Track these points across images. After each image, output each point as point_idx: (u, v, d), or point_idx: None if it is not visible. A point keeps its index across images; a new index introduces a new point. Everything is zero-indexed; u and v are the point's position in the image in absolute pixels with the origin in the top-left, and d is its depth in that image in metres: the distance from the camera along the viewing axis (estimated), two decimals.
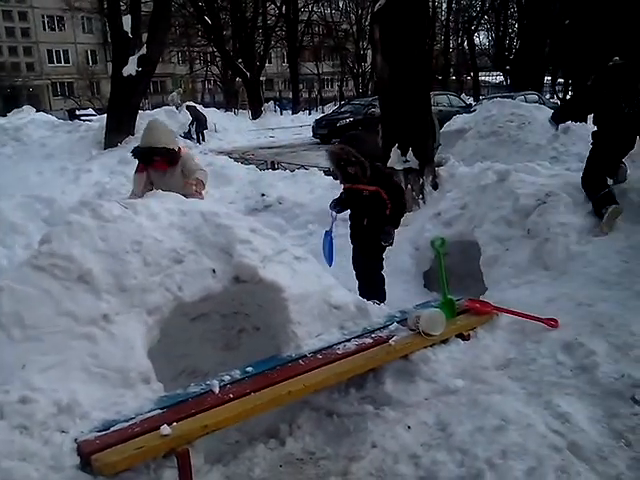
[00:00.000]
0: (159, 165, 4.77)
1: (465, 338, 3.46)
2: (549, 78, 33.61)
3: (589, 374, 3.06)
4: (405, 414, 2.96)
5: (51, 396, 2.45)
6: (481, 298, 4.08)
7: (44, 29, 49.59)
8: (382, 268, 4.69)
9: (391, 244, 4.54)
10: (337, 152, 4.46)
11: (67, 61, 50.48)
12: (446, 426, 2.82)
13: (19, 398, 2.38)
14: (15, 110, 23.02)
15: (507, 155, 9.52)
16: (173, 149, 4.75)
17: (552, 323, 3.53)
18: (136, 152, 4.84)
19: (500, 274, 4.56)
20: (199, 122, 18.72)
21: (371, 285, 4.54)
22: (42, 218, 6.76)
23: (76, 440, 2.34)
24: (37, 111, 23.03)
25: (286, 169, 10.90)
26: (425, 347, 3.28)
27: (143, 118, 12.67)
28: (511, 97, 15.18)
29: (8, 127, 16.30)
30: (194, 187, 4.48)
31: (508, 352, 3.41)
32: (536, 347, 3.38)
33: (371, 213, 4.51)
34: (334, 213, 4.79)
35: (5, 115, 22.68)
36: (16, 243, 5.79)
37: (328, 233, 4.82)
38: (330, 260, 4.80)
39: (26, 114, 21.19)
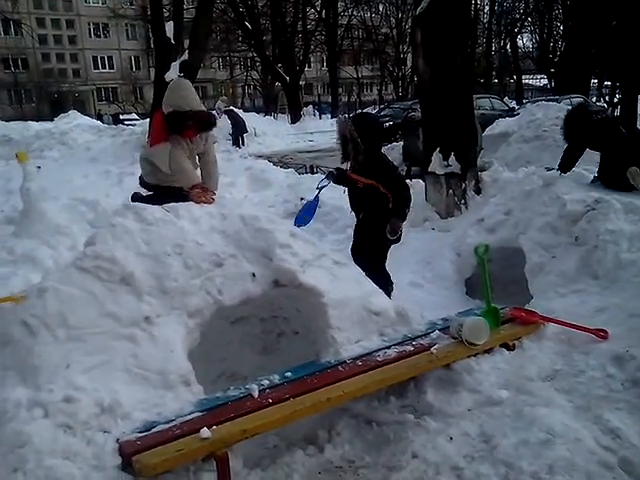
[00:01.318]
0: (189, 133, 3.95)
1: (510, 348, 3.37)
2: (595, 81, 32.71)
3: None
4: (447, 424, 2.89)
5: (94, 396, 2.48)
6: (526, 307, 3.96)
7: (90, 36, 51.13)
8: (383, 262, 4.53)
9: (398, 239, 4.37)
10: (341, 124, 4.38)
11: (111, 67, 51.89)
12: (490, 438, 2.74)
13: (63, 397, 2.42)
14: (62, 115, 23.74)
15: (552, 159, 9.17)
16: (211, 113, 4.16)
17: (601, 334, 3.41)
18: (173, 117, 3.84)
19: (546, 282, 4.42)
20: (238, 126, 18.90)
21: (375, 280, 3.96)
22: (87, 220, 6.92)
23: (118, 440, 2.36)
24: (85, 115, 23.66)
25: (324, 173, 10.86)
26: (468, 356, 3.20)
27: None
28: (556, 100, 14.84)
29: (55, 132, 16.85)
30: (202, 198, 3.61)
31: (555, 363, 3.30)
32: (584, 359, 3.27)
33: (367, 207, 4.40)
34: (325, 181, 4.59)
35: (52, 120, 23.42)
36: (61, 244, 5.93)
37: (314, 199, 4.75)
38: (301, 221, 4.69)
39: (72, 119, 21.82)
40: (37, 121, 22.83)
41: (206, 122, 3.96)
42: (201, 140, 4.04)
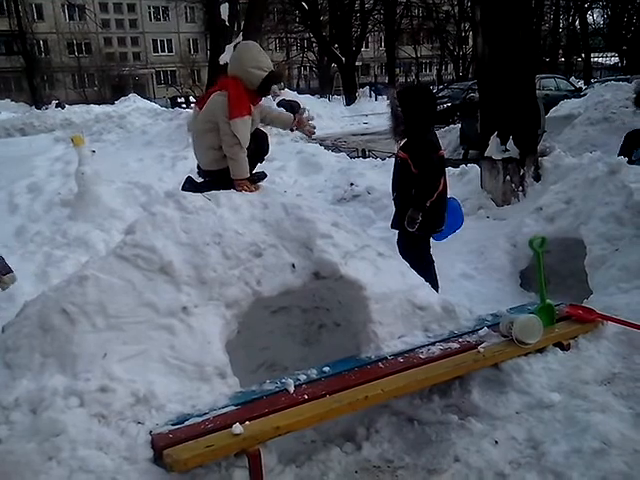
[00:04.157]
0: (259, 98, 3.81)
1: (564, 348, 3.18)
2: None
3: None
4: (493, 427, 2.76)
5: (129, 386, 2.48)
6: (584, 303, 3.73)
7: (150, 19, 52.10)
8: (426, 251, 4.31)
9: (418, 230, 4.10)
10: (390, 94, 4.29)
11: (170, 50, 52.77)
12: (538, 444, 2.61)
13: (99, 387, 2.43)
14: (122, 98, 24.34)
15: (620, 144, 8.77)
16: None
17: None
18: (271, 81, 3.70)
19: (608, 277, 4.16)
20: (292, 109, 18.84)
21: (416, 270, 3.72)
22: (140, 204, 7.03)
23: (150, 432, 2.35)
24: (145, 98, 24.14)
25: (377, 157, 10.69)
26: (518, 356, 3.04)
27: None
28: (627, 80, 14.02)
29: (114, 115, 17.29)
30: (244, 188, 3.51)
31: (613, 366, 3.11)
32: None
33: (399, 185, 4.21)
34: None
35: (113, 103, 24.05)
36: (113, 228, 6.06)
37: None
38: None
39: (132, 102, 22.33)
40: (99, 105, 23.48)
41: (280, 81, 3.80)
42: (260, 106, 3.89)
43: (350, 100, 29.26)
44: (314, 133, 4.08)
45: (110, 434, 2.31)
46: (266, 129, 4.10)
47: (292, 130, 4.06)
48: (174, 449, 2.24)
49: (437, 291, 3.90)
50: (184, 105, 24.37)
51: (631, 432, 2.54)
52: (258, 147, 3.81)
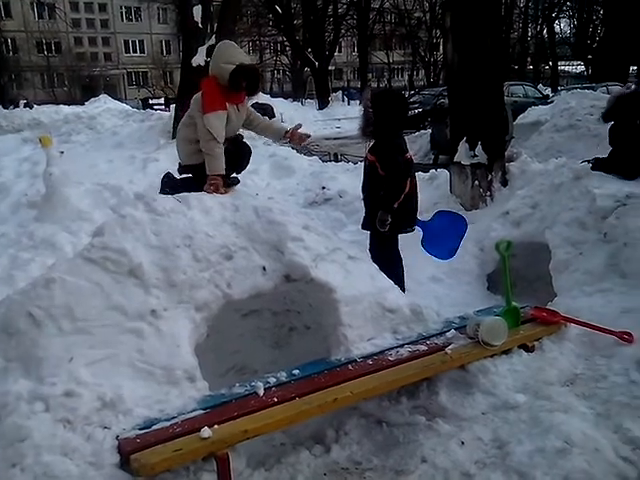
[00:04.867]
0: (241, 97, 3.83)
1: (529, 349, 3.25)
2: (635, 68, 31.61)
3: None
4: (459, 428, 2.80)
5: (96, 390, 2.44)
6: (549, 306, 3.82)
7: (122, 20, 51.44)
8: (395, 249, 4.39)
9: (388, 231, 4.20)
10: (364, 94, 4.36)
11: (142, 51, 52.20)
12: (503, 444, 2.65)
13: (64, 391, 2.39)
14: (92, 99, 23.97)
15: (585, 150, 8.95)
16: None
17: (626, 337, 3.27)
18: (239, 73, 3.64)
19: (572, 280, 4.25)
20: (265, 112, 18.80)
21: (382, 268, 3.65)
22: (109, 206, 6.93)
23: (117, 437, 2.32)
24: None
25: (349, 161, 10.74)
26: (484, 357, 3.09)
27: None
28: (592, 88, 14.39)
29: (83, 116, 17.01)
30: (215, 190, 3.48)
31: (576, 367, 3.19)
32: (607, 363, 3.16)
33: (368, 187, 4.32)
34: None
35: (83, 104, 23.66)
36: (82, 230, 5.95)
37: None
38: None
39: (102, 103, 22.01)
40: (68, 105, 23.05)
41: (257, 77, 3.79)
42: (244, 107, 3.93)
43: (323, 104, 29.35)
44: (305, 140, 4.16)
45: (75, 439, 2.27)
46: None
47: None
48: (141, 454, 2.22)
49: (403, 288, 4.03)
50: (156, 107, 24.03)
51: (592, 431, 2.59)
52: (238, 156, 3.85)
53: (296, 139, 4.09)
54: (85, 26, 49.72)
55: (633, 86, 7.29)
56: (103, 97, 23.99)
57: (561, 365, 3.18)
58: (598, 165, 5.00)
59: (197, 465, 2.32)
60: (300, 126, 4.16)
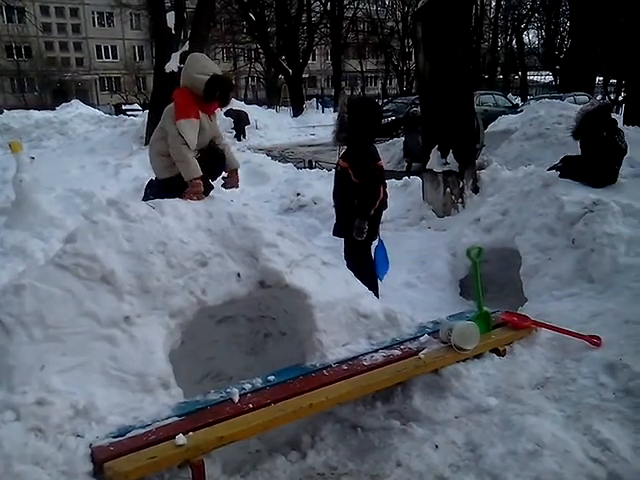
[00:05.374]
0: (214, 107, 3.93)
1: (500, 354, 3.30)
2: (601, 78, 32.47)
3: (633, 398, 2.87)
4: (433, 432, 2.82)
5: (68, 398, 2.41)
6: (520, 310, 3.89)
7: (94, 25, 50.80)
8: (368, 254, 4.42)
9: (364, 239, 4.24)
10: (340, 99, 4.45)
11: (115, 57, 51.61)
12: (476, 447, 2.68)
13: (36, 400, 2.35)
14: (64, 104, 23.56)
15: (554, 158, 9.05)
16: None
17: (595, 341, 3.34)
18: (214, 83, 3.69)
19: (541, 285, 4.35)
20: (240, 119, 18.78)
21: (357, 275, 3.70)
22: (81, 212, 6.83)
23: (90, 445, 2.30)
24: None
25: (323, 168, 10.79)
26: (457, 362, 3.13)
27: None
28: (560, 98, 14.70)
29: (55, 121, 16.73)
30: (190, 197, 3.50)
31: (546, 370, 3.24)
32: (576, 366, 3.21)
33: (340, 194, 4.34)
34: None
35: (54, 109, 23.24)
36: (53, 236, 5.86)
37: None
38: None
39: (74, 108, 21.65)
40: (39, 110, 22.62)
41: (230, 88, 3.84)
42: (215, 119, 3.96)
43: (297, 111, 29.41)
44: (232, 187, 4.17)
45: (47, 448, 2.24)
46: None
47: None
48: (115, 462, 2.19)
49: (376, 292, 4.08)
50: (129, 113, 23.73)
51: (562, 433, 2.63)
52: (213, 165, 3.86)
53: (233, 182, 4.15)
54: (56, 31, 48.98)
55: (597, 100, 7.52)
56: (75, 102, 23.50)
57: (532, 369, 3.23)
58: (567, 163, 5.14)
59: (172, 472, 2.31)
60: (236, 174, 4.14)
